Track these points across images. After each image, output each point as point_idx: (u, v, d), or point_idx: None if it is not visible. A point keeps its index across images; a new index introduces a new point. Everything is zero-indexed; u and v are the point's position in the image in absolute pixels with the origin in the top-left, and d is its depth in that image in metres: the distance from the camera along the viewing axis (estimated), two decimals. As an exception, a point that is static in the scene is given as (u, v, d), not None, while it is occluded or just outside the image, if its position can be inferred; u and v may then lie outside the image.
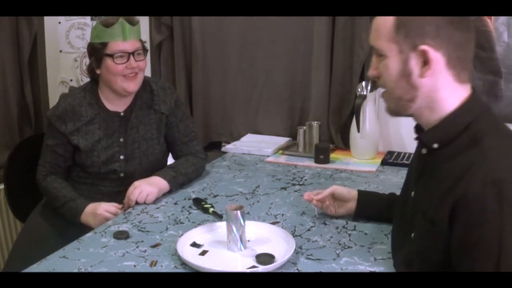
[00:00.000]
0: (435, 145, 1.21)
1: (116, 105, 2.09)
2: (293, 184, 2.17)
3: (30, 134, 2.87)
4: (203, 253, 1.59)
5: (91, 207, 1.97)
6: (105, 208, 1.94)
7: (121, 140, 2.08)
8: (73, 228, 1.99)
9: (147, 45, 2.15)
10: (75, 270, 1.51)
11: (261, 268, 1.48)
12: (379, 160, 2.44)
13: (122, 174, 2.08)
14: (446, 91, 1.19)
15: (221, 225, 1.69)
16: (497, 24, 2.30)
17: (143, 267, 1.52)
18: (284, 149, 2.62)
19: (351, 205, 1.76)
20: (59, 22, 3.03)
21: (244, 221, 1.60)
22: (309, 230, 1.74)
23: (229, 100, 2.87)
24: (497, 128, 1.17)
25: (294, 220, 1.82)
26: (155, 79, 2.28)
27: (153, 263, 1.54)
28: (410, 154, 2.45)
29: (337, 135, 2.64)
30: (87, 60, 2.21)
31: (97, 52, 2.02)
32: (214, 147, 2.91)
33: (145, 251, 1.62)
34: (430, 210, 1.19)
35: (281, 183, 2.19)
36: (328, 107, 2.64)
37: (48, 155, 2.08)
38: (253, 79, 2.81)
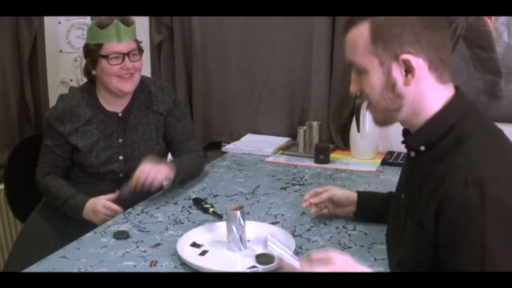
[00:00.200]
0: (422, 148, 1.20)
1: (114, 105, 2.09)
2: (293, 184, 2.17)
3: (30, 134, 2.87)
4: (203, 253, 1.59)
5: (91, 204, 1.98)
6: (103, 204, 1.94)
7: (120, 140, 2.08)
8: (73, 228, 1.99)
9: (146, 45, 2.15)
10: (75, 270, 1.51)
11: (261, 268, 1.48)
12: (379, 160, 2.44)
13: (121, 175, 2.08)
14: (430, 94, 1.18)
15: (221, 225, 1.70)
16: (497, 24, 2.30)
17: (143, 267, 1.52)
18: (284, 149, 2.62)
19: (350, 208, 1.76)
20: (59, 22, 3.03)
21: (244, 221, 1.60)
22: (309, 230, 1.74)
23: (229, 100, 2.86)
24: (482, 127, 1.16)
25: (294, 220, 1.82)
26: (153, 79, 2.27)
27: (153, 263, 1.54)
28: (410, 154, 2.45)
29: (337, 135, 2.64)
30: (86, 60, 2.21)
31: (92, 53, 2.02)
32: (214, 147, 2.91)
33: (145, 251, 1.62)
34: (417, 212, 1.20)
35: (281, 183, 2.19)
36: (328, 107, 2.64)
37: (47, 156, 2.09)
38: (253, 79, 2.81)
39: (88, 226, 1.92)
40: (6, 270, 2.09)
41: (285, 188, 2.13)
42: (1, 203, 2.63)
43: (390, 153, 2.51)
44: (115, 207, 1.93)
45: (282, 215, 1.87)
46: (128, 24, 2.03)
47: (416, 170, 1.24)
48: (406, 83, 1.16)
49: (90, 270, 1.51)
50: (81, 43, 3.00)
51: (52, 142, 2.07)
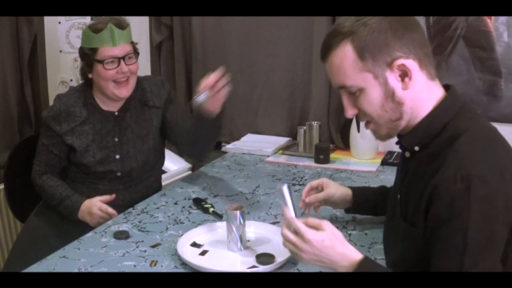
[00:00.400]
0: (416, 148, 1.21)
1: (110, 105, 2.09)
2: (293, 184, 2.17)
3: (30, 134, 2.87)
4: (203, 253, 1.59)
5: (86, 205, 1.97)
6: (99, 207, 1.94)
7: (116, 139, 2.08)
8: (73, 228, 1.99)
9: (146, 45, 2.14)
10: (75, 270, 1.51)
11: (261, 268, 1.48)
12: (379, 160, 2.44)
13: (119, 174, 2.08)
14: (424, 93, 1.19)
15: (221, 225, 1.70)
16: (497, 24, 2.30)
17: (143, 267, 1.52)
18: (284, 149, 2.62)
19: (344, 206, 1.75)
20: (59, 22, 3.03)
21: (244, 221, 1.60)
22: (309, 230, 1.74)
23: (229, 100, 2.85)
24: (474, 125, 1.17)
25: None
26: (147, 76, 2.23)
27: (153, 263, 1.54)
28: (410, 154, 2.45)
29: (337, 135, 2.64)
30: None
31: (87, 57, 2.00)
32: (214, 147, 2.91)
33: (145, 251, 1.62)
34: (410, 212, 1.20)
35: (281, 183, 2.19)
36: (328, 107, 2.64)
37: (44, 155, 2.09)
38: (253, 79, 2.81)
39: (88, 226, 1.92)
40: (6, 270, 2.09)
41: (285, 188, 2.12)
42: (1, 203, 2.63)
43: (390, 153, 2.51)
44: (110, 210, 1.92)
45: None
46: (123, 27, 2.01)
47: (411, 170, 1.24)
48: (404, 88, 1.17)
49: (90, 270, 1.51)
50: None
51: (49, 141, 2.07)
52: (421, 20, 2.37)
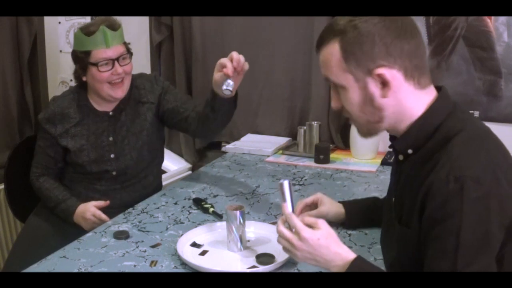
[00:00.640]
0: (409, 151, 1.21)
1: (105, 106, 2.08)
2: (293, 184, 2.17)
3: (30, 134, 2.86)
4: (203, 253, 1.59)
5: (80, 210, 1.99)
6: (92, 212, 1.95)
7: (111, 139, 2.07)
8: (73, 228, 1.99)
9: (146, 45, 2.13)
10: (75, 270, 1.51)
11: (261, 268, 1.48)
12: (379, 160, 2.44)
13: (114, 173, 2.08)
14: (410, 101, 1.18)
15: (221, 225, 1.70)
16: (497, 24, 2.30)
17: (143, 267, 1.52)
18: (284, 149, 2.62)
19: (338, 221, 1.75)
20: (59, 22, 3.03)
21: (244, 221, 1.60)
22: (309, 230, 1.74)
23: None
24: (467, 126, 1.16)
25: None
26: (140, 73, 2.21)
27: (153, 263, 1.54)
28: (410, 154, 2.45)
29: (337, 135, 2.64)
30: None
31: (81, 60, 1.99)
32: (214, 147, 2.91)
33: (145, 251, 1.62)
34: (404, 214, 1.20)
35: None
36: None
37: (40, 157, 2.10)
38: (253, 79, 2.80)
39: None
40: (6, 270, 2.09)
41: (285, 188, 2.12)
42: (1, 203, 2.63)
43: (390, 153, 2.50)
44: (104, 216, 1.93)
45: (282, 215, 1.86)
46: (115, 28, 1.99)
47: (404, 173, 1.24)
48: (383, 96, 1.16)
49: (90, 270, 1.51)
50: (81, 43, 3.00)
51: (45, 143, 2.08)
52: (421, 20, 2.37)
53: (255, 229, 1.69)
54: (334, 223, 1.76)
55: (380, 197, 1.78)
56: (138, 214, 1.89)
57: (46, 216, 2.10)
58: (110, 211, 1.97)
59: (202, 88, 2.86)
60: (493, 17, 2.29)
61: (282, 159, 2.52)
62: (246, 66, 1.83)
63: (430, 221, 1.10)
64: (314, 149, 2.47)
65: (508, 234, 1.08)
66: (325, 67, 1.21)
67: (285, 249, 1.28)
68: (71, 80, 3.07)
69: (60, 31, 3.04)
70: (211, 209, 1.88)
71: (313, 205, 1.76)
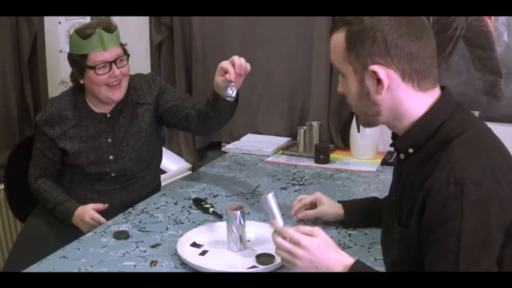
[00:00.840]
0: (410, 150, 1.21)
1: (102, 108, 2.08)
2: (293, 184, 2.17)
3: (30, 134, 2.86)
4: (203, 253, 1.59)
5: (79, 212, 1.99)
6: (91, 216, 1.95)
7: (109, 140, 2.07)
8: (73, 228, 1.99)
9: (146, 45, 2.12)
10: (75, 270, 1.51)
11: (261, 268, 1.48)
12: (379, 160, 2.44)
13: (113, 174, 2.08)
14: (409, 101, 1.17)
15: (221, 225, 1.70)
16: (497, 24, 2.30)
17: (143, 267, 1.52)
18: (284, 149, 2.62)
19: (337, 221, 1.77)
20: (59, 22, 3.03)
21: (244, 221, 1.60)
22: (309, 230, 1.74)
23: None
24: (468, 127, 1.16)
25: (294, 220, 1.81)
26: (137, 74, 2.20)
27: (153, 263, 1.54)
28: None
29: (337, 135, 2.64)
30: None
31: (78, 63, 1.98)
32: (214, 147, 2.91)
33: (145, 251, 1.62)
34: (404, 214, 1.20)
35: (281, 183, 2.19)
36: (328, 107, 2.64)
37: (38, 158, 2.09)
38: (253, 79, 2.79)
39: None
40: (6, 270, 2.09)
41: (285, 188, 2.12)
42: (1, 203, 2.63)
43: (390, 153, 2.50)
44: (102, 220, 1.93)
45: (282, 215, 1.85)
46: (111, 30, 1.98)
47: (404, 173, 1.24)
48: (377, 93, 1.17)
49: (90, 270, 1.51)
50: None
51: (42, 145, 2.07)
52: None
53: (255, 229, 1.69)
54: (334, 223, 1.77)
55: (380, 197, 1.78)
56: (138, 214, 1.89)
57: (45, 216, 2.10)
58: (110, 211, 1.97)
59: (202, 88, 2.86)
60: (493, 17, 2.29)
61: (282, 159, 2.52)
62: (248, 67, 1.84)
63: (430, 223, 1.10)
64: (314, 149, 2.47)
65: (508, 236, 1.08)
66: (332, 53, 1.23)
67: (284, 260, 1.27)
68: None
69: (60, 31, 3.04)
70: (211, 209, 1.88)
71: (312, 205, 1.77)
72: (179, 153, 2.94)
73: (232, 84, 1.81)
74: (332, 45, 1.22)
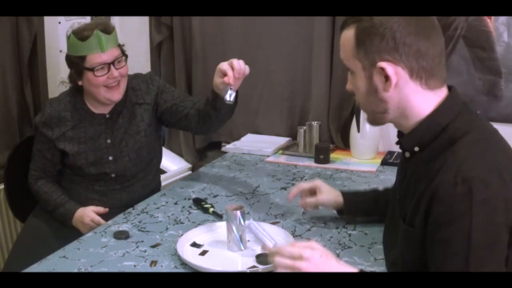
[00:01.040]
0: (416, 149, 1.21)
1: (101, 108, 2.08)
2: (293, 184, 2.16)
3: (30, 134, 2.86)
4: (203, 253, 1.59)
5: (79, 214, 1.99)
6: (91, 218, 1.95)
7: (109, 141, 2.07)
8: (73, 228, 1.99)
9: (146, 45, 2.12)
10: (75, 270, 1.51)
11: (261, 268, 1.48)
12: (379, 160, 2.44)
13: (113, 175, 2.08)
14: (416, 99, 1.18)
15: (221, 225, 1.70)
16: (497, 24, 2.30)
17: (143, 267, 1.52)
18: (284, 149, 2.62)
19: (336, 209, 1.78)
20: (59, 22, 3.03)
21: (244, 221, 1.60)
22: (309, 230, 1.74)
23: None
24: (474, 127, 1.16)
25: (294, 220, 1.82)
26: (136, 74, 2.20)
27: (153, 263, 1.54)
28: (410, 154, 2.45)
29: (337, 135, 2.64)
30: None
31: (76, 65, 1.98)
32: (214, 147, 2.91)
33: (145, 251, 1.62)
34: (409, 213, 1.20)
35: (281, 183, 2.19)
36: (328, 107, 2.64)
37: (38, 160, 2.09)
38: (253, 79, 2.79)
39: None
40: (6, 270, 2.09)
41: (285, 188, 2.13)
42: (1, 203, 2.63)
43: (390, 153, 2.51)
44: (102, 222, 1.93)
45: (282, 215, 1.87)
46: (109, 31, 1.97)
47: (410, 171, 1.24)
48: (385, 90, 1.17)
49: (90, 270, 1.51)
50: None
51: (42, 147, 2.07)
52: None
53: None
54: (334, 224, 1.77)
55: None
56: (138, 214, 1.89)
57: (45, 216, 2.10)
58: (110, 211, 1.97)
59: (202, 88, 2.86)
60: (493, 17, 2.30)
61: (282, 159, 2.52)
62: (247, 70, 1.84)
63: (437, 223, 1.09)
64: (314, 149, 2.47)
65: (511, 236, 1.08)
66: (341, 50, 1.24)
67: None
68: (71, 80, 3.07)
69: (60, 31, 3.04)
70: (211, 209, 1.88)
71: (312, 192, 1.76)
72: (179, 153, 2.94)
73: (231, 87, 1.81)
74: (342, 42, 1.22)
